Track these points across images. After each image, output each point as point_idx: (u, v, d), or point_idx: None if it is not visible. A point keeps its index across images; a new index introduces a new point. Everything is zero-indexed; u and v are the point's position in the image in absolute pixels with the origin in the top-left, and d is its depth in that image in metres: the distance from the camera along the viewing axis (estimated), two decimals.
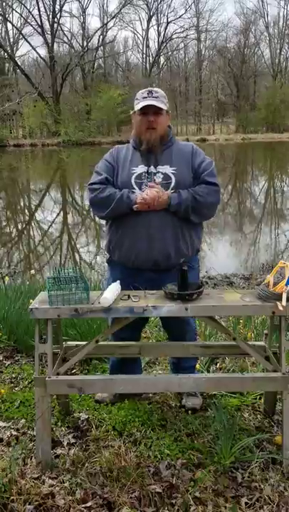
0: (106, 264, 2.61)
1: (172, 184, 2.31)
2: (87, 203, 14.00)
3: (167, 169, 2.34)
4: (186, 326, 2.52)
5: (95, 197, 2.37)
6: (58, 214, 11.77)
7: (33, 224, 10.82)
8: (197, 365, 2.79)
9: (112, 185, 2.37)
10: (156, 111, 2.33)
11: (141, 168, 2.35)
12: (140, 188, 2.31)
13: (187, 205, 2.27)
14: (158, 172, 2.33)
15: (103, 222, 2.41)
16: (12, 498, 1.90)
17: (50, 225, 10.32)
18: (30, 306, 2.09)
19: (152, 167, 2.34)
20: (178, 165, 2.35)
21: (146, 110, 2.32)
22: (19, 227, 10.71)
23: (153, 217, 2.27)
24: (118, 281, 2.19)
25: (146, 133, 2.34)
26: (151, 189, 2.24)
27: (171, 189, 2.30)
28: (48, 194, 14.98)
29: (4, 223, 10.88)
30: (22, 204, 13.77)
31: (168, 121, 2.43)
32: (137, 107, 2.34)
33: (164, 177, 2.32)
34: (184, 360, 2.61)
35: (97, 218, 11.18)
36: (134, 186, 2.32)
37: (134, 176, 2.34)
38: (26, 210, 12.68)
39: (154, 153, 2.36)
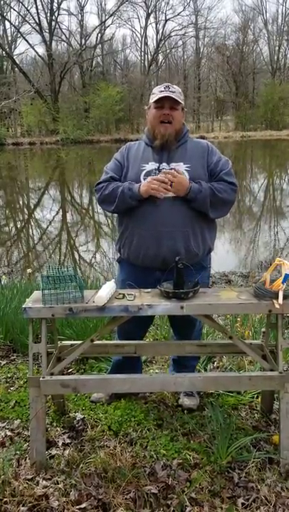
0: (116, 263, 2.55)
1: None
2: (86, 201, 14.03)
3: (181, 166, 2.25)
4: (192, 328, 2.49)
5: (100, 195, 2.34)
6: (57, 212, 11.74)
7: (31, 222, 10.79)
8: None
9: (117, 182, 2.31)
10: (172, 105, 2.26)
11: (151, 165, 2.27)
12: None
13: (206, 195, 2.19)
14: (171, 169, 2.23)
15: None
16: (5, 499, 1.88)
17: (49, 224, 10.28)
18: (23, 306, 2.06)
19: (165, 164, 2.26)
20: (192, 162, 2.27)
21: (162, 103, 2.26)
22: (18, 225, 10.67)
23: (163, 213, 2.20)
24: (113, 280, 2.16)
25: (161, 127, 2.26)
26: (166, 173, 2.17)
27: None
28: (46, 192, 14.94)
29: (3, 222, 10.84)
30: (21, 202, 13.74)
31: (183, 118, 2.36)
32: (153, 99, 2.27)
33: None
34: (185, 357, 2.57)
35: (96, 216, 11.21)
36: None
37: (143, 173, 2.26)
38: (25, 209, 12.64)
39: (168, 150, 2.28)
